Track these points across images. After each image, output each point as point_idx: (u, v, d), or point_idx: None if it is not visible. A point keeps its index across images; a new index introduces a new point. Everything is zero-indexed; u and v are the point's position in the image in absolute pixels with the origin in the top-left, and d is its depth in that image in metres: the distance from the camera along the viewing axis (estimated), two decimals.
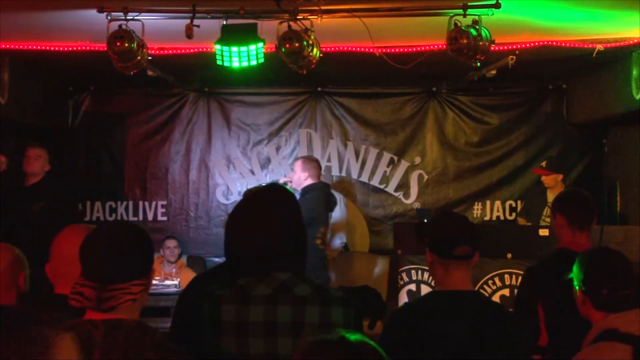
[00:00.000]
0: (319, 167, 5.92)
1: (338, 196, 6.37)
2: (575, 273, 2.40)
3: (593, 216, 3.18)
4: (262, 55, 4.44)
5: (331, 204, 5.85)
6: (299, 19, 4.15)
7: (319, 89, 7.24)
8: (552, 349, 2.97)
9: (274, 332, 1.94)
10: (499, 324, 2.31)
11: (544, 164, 6.33)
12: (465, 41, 4.11)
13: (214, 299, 1.98)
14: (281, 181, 5.95)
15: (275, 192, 2.17)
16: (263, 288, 1.98)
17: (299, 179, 5.70)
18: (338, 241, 6.33)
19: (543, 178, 6.25)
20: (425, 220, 6.47)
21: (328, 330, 1.85)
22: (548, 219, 6.18)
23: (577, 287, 2.38)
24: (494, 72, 5.71)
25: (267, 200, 2.14)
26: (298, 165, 5.81)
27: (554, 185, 6.19)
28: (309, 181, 5.67)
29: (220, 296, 1.99)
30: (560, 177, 6.24)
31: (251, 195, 2.26)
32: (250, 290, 1.98)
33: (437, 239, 2.40)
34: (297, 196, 6.03)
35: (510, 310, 3.10)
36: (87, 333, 1.73)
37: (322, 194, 5.69)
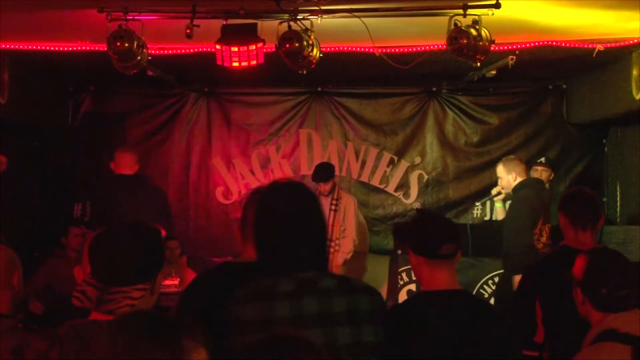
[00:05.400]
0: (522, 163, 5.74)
1: (349, 198, 6.37)
2: (574, 273, 2.40)
3: (597, 215, 3.17)
4: (262, 55, 4.44)
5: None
6: (299, 19, 4.15)
7: (319, 89, 7.23)
8: (549, 345, 2.98)
9: (300, 325, 1.90)
10: (489, 322, 2.31)
11: (542, 159, 6.45)
12: (465, 41, 4.11)
13: (238, 299, 1.95)
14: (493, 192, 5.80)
15: (301, 191, 2.14)
16: (286, 284, 1.96)
17: (507, 182, 5.53)
18: (352, 244, 6.30)
19: (540, 172, 6.30)
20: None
21: (356, 318, 1.90)
22: None
23: (576, 287, 2.38)
24: (494, 72, 5.71)
25: (293, 199, 2.10)
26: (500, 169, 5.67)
27: (545, 182, 6.27)
28: (518, 179, 5.51)
29: (243, 295, 1.95)
30: (552, 176, 6.38)
31: (275, 193, 2.16)
32: (273, 288, 1.95)
33: (423, 240, 2.36)
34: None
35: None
36: (91, 333, 1.74)
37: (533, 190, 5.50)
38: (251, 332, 1.91)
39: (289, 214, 2.04)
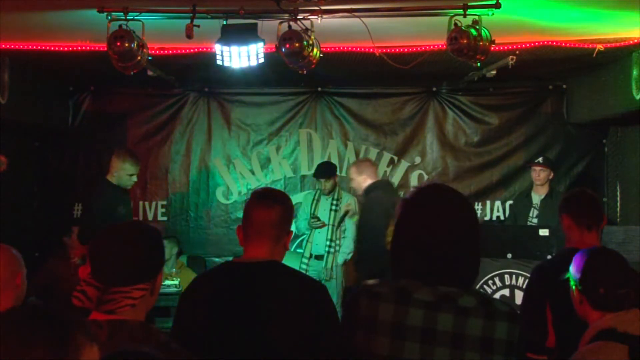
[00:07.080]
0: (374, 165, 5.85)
1: (351, 198, 6.37)
2: (572, 272, 2.40)
3: (600, 216, 3.17)
4: (262, 55, 4.44)
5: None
6: (299, 19, 4.15)
7: (319, 89, 7.24)
8: (559, 349, 2.96)
9: (431, 339, 1.79)
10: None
11: (540, 159, 6.42)
12: (465, 41, 4.11)
13: (373, 295, 1.85)
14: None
15: (455, 194, 1.96)
16: (425, 293, 1.82)
17: (358, 183, 5.53)
18: (352, 244, 6.30)
19: (538, 172, 6.29)
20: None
21: (489, 345, 1.78)
22: (535, 220, 6.21)
23: (574, 287, 2.38)
24: (494, 72, 5.71)
25: (448, 202, 1.92)
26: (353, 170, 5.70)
27: (545, 182, 6.27)
28: (368, 181, 5.48)
29: (379, 293, 1.85)
30: (552, 175, 6.36)
31: (428, 193, 1.97)
32: (411, 292, 1.83)
33: None
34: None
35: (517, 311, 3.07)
36: None
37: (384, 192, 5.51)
38: (377, 332, 1.82)
39: (440, 220, 1.88)
